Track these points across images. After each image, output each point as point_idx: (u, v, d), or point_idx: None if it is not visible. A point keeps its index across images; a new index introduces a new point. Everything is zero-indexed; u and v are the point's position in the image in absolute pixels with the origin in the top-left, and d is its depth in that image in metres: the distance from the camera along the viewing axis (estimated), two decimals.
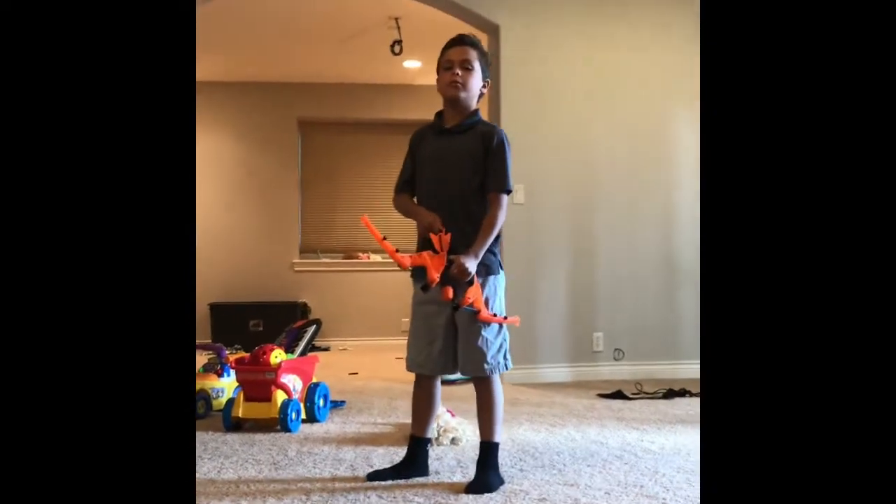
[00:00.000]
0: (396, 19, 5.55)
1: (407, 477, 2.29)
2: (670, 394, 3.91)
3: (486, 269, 2.24)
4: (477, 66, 2.28)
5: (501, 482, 2.22)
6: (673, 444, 2.78)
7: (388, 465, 2.38)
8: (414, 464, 2.34)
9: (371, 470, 2.35)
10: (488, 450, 2.25)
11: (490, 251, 2.24)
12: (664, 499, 2.09)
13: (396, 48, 5.78)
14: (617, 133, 4.78)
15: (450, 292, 2.12)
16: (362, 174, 7.50)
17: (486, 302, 2.23)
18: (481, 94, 2.34)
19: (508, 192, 2.26)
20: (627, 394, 3.92)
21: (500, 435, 2.28)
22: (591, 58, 4.78)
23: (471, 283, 2.14)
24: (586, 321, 4.67)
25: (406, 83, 7.26)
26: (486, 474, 2.20)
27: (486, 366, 2.23)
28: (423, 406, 2.37)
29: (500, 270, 2.30)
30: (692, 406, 3.63)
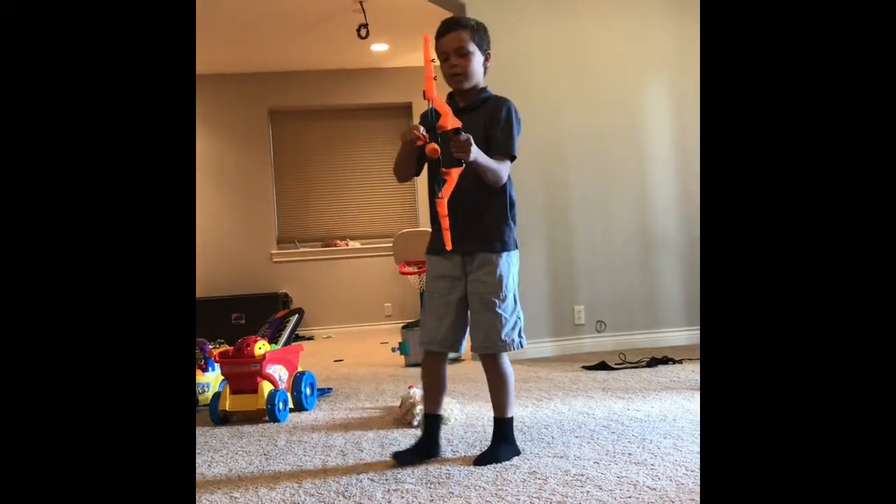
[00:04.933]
0: (361, 2, 5.51)
1: (433, 455, 2.31)
2: (653, 362, 3.95)
3: (501, 245, 2.26)
4: (472, 47, 2.25)
5: (517, 453, 2.28)
6: (658, 411, 2.81)
7: (409, 447, 2.36)
8: (435, 440, 2.36)
9: (396, 451, 2.33)
10: (502, 424, 2.30)
11: (507, 225, 2.27)
12: (652, 465, 2.12)
13: (363, 32, 5.75)
14: (587, 106, 4.79)
15: (437, 150, 2.03)
16: (335, 160, 7.47)
17: (501, 280, 2.23)
18: (486, 67, 2.32)
19: (511, 157, 2.24)
20: (611, 364, 3.96)
21: (513, 409, 2.33)
22: (558, 32, 4.78)
23: (460, 163, 2.06)
24: (567, 295, 4.70)
25: (374, 67, 7.22)
26: (498, 446, 2.27)
27: (500, 343, 2.25)
28: (433, 382, 2.38)
29: (517, 248, 2.31)
30: (675, 373, 3.68)
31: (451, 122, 2.08)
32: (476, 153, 2.07)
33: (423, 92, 2.05)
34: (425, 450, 2.31)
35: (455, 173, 2.07)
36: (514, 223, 2.31)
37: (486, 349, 2.28)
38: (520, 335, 2.29)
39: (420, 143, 2.04)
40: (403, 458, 2.26)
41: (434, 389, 2.37)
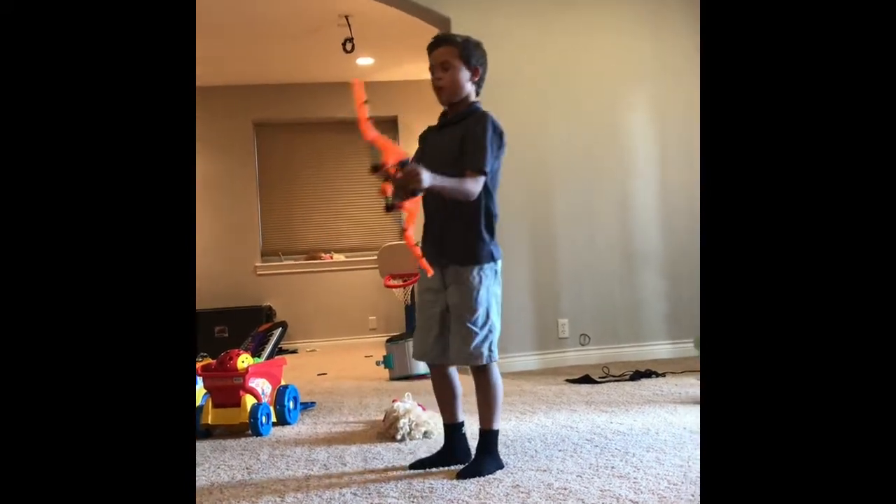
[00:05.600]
0: (347, 17, 5.53)
1: (450, 464, 2.34)
2: (636, 375, 3.97)
3: (473, 258, 2.25)
4: (456, 62, 2.28)
5: (500, 466, 2.29)
6: (641, 425, 2.82)
7: (429, 455, 2.43)
8: (452, 450, 2.39)
9: (414, 461, 2.40)
10: (486, 437, 2.31)
11: (480, 238, 2.26)
12: (635, 478, 2.12)
13: (348, 46, 5.76)
14: (571, 120, 4.83)
15: (387, 188, 2.00)
16: (320, 173, 7.46)
17: (471, 293, 2.23)
18: (477, 83, 2.34)
19: (482, 171, 2.21)
20: (595, 378, 3.97)
21: (499, 422, 2.33)
22: (542, 46, 4.81)
23: (415, 193, 2.05)
24: (551, 308, 4.72)
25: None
26: (482, 460, 2.27)
27: (468, 355, 2.25)
28: (441, 393, 2.42)
29: (493, 260, 2.28)
30: (658, 386, 3.69)
31: (392, 156, 2.03)
32: (429, 180, 2.02)
33: (361, 133, 2.00)
34: (443, 458, 2.36)
35: (411, 204, 2.08)
36: (492, 236, 2.29)
37: (458, 361, 2.31)
38: (490, 349, 2.27)
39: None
40: (417, 464, 2.34)
41: (443, 400, 2.41)
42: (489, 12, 4.71)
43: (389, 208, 2.09)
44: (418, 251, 2.12)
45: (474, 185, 2.19)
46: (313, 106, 7.33)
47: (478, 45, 2.34)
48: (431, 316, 2.33)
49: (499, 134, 2.28)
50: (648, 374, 4.00)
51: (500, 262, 2.32)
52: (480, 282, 2.26)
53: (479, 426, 2.34)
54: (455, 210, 2.24)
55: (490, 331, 2.27)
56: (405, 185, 2.02)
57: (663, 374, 4.00)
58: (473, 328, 2.24)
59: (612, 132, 4.89)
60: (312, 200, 7.45)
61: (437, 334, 2.32)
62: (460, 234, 2.27)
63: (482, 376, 2.31)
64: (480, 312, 2.25)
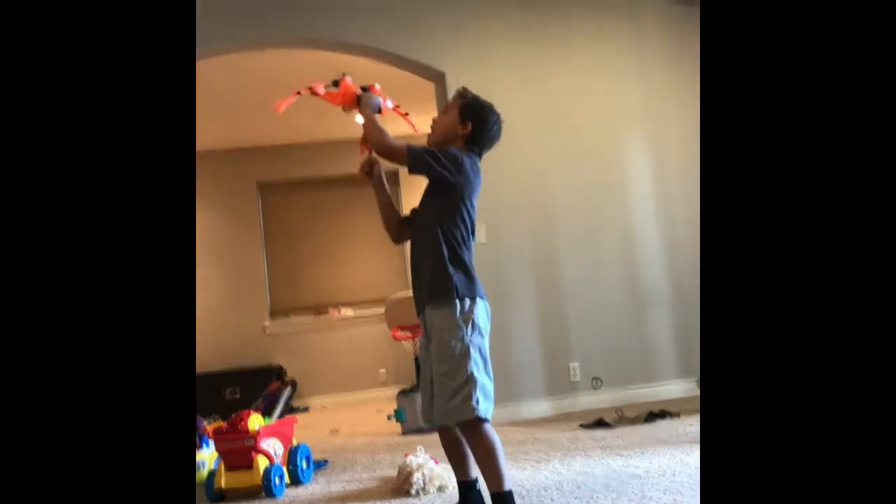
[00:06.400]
0: (344, 75, 5.62)
1: None
2: (651, 417, 3.93)
3: (441, 292, 2.17)
4: (454, 111, 2.39)
5: None
6: (657, 467, 2.79)
7: None
8: None
9: None
10: (497, 501, 2.13)
11: (446, 273, 2.18)
12: None
13: None
14: (570, 164, 4.87)
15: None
16: (324, 230, 7.52)
17: (440, 341, 2.15)
18: (469, 139, 2.36)
19: (413, 156, 2.25)
20: (609, 421, 3.94)
21: (508, 482, 2.13)
22: (538, 94, 4.88)
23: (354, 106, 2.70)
24: (561, 353, 4.70)
25: (360, 136, 7.32)
26: None
27: (446, 412, 2.13)
28: (449, 453, 2.34)
29: (461, 298, 2.15)
30: (673, 426, 3.65)
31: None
32: (365, 104, 2.65)
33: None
34: None
35: (340, 97, 2.75)
36: (460, 270, 2.19)
37: (440, 419, 2.18)
38: (474, 404, 2.08)
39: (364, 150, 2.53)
40: None
41: (452, 459, 2.34)
42: (483, 65, 4.79)
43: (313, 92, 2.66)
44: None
45: (397, 144, 2.33)
46: (316, 164, 7.42)
47: (482, 106, 2.41)
48: (425, 375, 2.26)
49: (455, 160, 2.24)
50: (663, 414, 3.97)
51: (480, 307, 2.19)
52: (454, 332, 2.13)
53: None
54: (426, 244, 2.25)
55: (468, 384, 2.09)
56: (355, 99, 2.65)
57: (678, 414, 3.97)
58: (448, 381, 2.11)
59: (611, 173, 4.94)
60: (318, 256, 7.49)
61: (430, 394, 2.21)
62: (428, 270, 2.22)
63: (469, 434, 2.16)
64: (454, 365, 2.11)
